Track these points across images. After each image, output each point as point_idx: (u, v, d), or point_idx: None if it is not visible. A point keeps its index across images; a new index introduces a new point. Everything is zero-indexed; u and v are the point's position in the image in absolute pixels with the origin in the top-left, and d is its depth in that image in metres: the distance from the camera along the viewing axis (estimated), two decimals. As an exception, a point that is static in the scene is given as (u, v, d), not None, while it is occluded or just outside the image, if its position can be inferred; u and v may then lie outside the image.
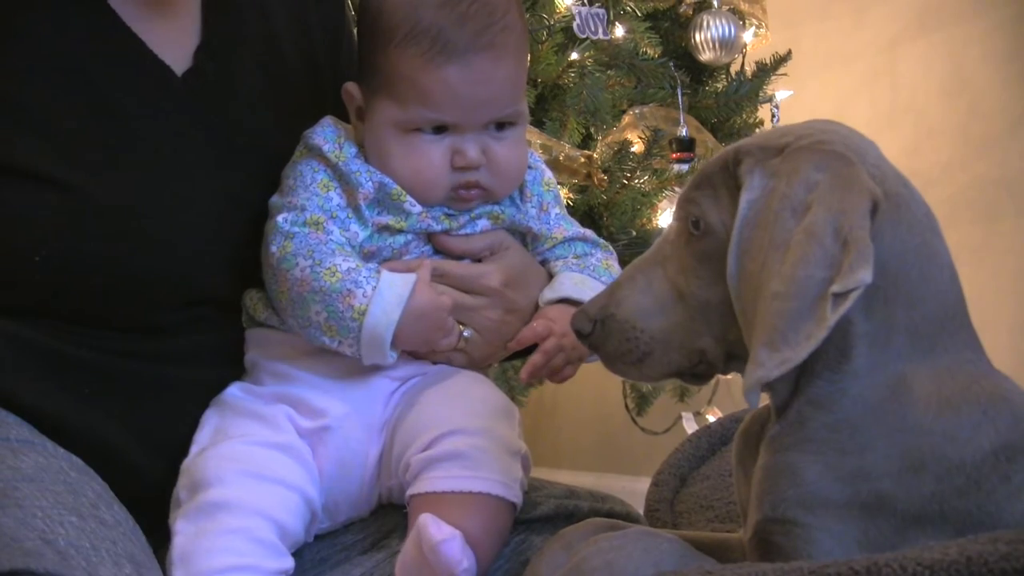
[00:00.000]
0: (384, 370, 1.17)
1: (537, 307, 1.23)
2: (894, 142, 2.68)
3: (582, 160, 2.19)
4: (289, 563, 1.08)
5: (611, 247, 1.30)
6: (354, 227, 1.16)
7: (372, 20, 1.17)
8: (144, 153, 1.14)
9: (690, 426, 2.62)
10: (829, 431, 0.87)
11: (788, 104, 2.55)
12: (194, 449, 1.13)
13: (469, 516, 1.07)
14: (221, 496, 1.07)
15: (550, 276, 1.25)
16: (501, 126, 1.18)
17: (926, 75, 2.86)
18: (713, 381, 1.50)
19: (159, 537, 1.08)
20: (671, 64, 2.37)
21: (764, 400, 0.93)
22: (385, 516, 1.19)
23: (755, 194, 0.89)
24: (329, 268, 1.11)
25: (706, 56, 2.41)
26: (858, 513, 0.84)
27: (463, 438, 1.11)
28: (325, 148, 1.17)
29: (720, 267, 0.90)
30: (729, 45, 2.39)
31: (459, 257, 1.21)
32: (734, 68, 2.54)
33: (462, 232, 1.20)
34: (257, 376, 1.19)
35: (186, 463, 1.12)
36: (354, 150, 1.18)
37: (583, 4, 2.24)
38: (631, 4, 2.33)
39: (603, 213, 2.22)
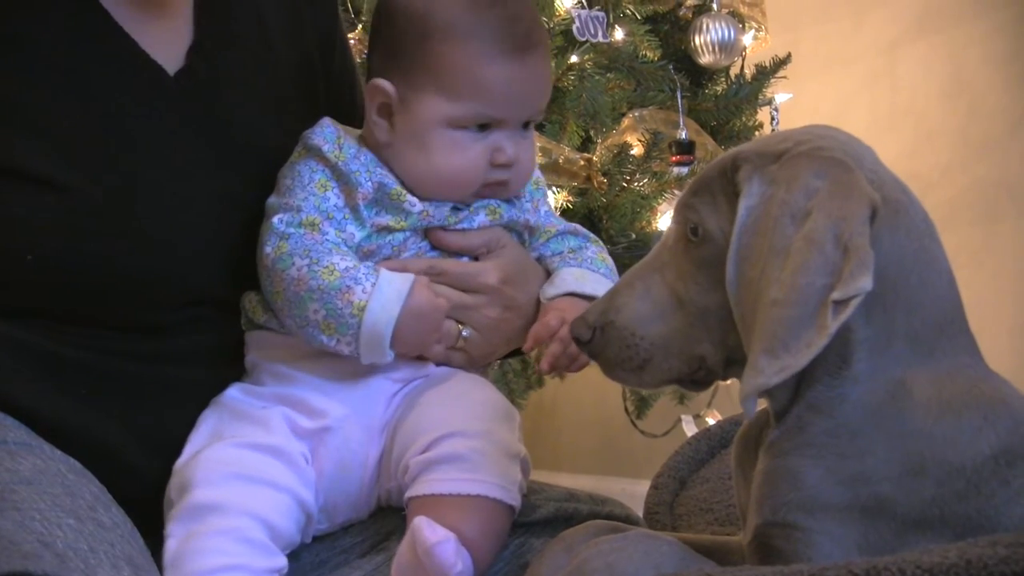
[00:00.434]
0: (385, 372, 1.17)
1: (538, 304, 1.23)
2: (894, 144, 2.69)
3: (581, 163, 2.19)
4: (281, 562, 1.08)
5: (600, 241, 1.31)
6: (351, 228, 1.16)
7: (417, 17, 1.16)
8: (140, 153, 1.14)
9: (690, 429, 2.61)
10: (829, 436, 0.87)
11: (788, 107, 2.54)
12: (188, 450, 1.13)
13: (466, 519, 1.07)
14: (209, 498, 1.07)
15: (547, 273, 1.25)
16: (526, 125, 1.20)
17: (926, 77, 2.86)
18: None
19: (157, 539, 1.08)
20: (671, 67, 2.37)
21: (762, 404, 0.93)
22: (384, 519, 1.19)
23: (754, 200, 0.89)
24: (327, 267, 1.11)
25: (706, 59, 2.41)
26: (858, 517, 0.84)
27: (462, 440, 1.11)
28: (324, 148, 1.17)
29: (719, 273, 0.89)
30: (729, 48, 2.39)
31: (456, 254, 1.21)
32: (734, 71, 2.53)
33: (460, 227, 1.20)
34: (258, 376, 1.19)
35: (177, 465, 1.12)
36: (353, 150, 1.18)
37: (583, 7, 2.24)
38: (631, 7, 2.33)
39: (603, 216, 2.22)
